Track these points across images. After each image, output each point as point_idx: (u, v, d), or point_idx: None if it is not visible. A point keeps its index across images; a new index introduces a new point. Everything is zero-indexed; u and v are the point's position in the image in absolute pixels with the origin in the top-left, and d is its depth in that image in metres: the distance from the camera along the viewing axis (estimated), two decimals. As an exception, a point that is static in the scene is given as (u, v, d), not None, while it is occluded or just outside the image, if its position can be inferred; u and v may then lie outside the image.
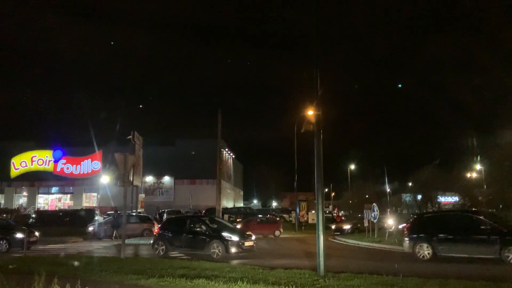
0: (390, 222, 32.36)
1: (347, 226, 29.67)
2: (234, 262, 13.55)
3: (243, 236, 15.93)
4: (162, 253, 15.84)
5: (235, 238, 15.33)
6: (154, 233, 17.18)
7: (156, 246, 16.35)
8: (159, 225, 19.77)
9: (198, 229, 16.15)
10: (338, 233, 28.16)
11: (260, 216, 32.42)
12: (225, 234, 15.48)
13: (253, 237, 16.25)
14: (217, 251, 15.04)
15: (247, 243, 15.49)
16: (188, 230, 16.38)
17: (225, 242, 15.08)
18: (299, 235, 28.77)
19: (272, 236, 27.00)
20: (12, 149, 52.42)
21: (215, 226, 16.62)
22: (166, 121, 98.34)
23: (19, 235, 17.86)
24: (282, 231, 27.95)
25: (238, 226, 26.92)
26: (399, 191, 77.08)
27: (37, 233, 19.56)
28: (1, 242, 17.71)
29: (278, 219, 34.51)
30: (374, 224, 23.95)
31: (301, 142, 34.37)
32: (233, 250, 15.01)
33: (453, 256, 13.84)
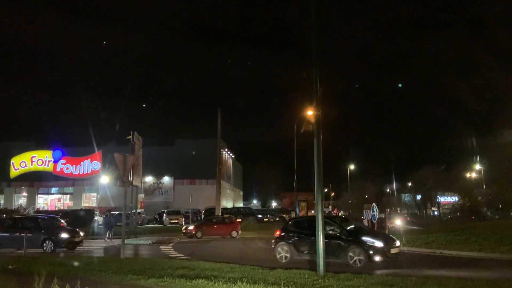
0: (398, 222, 32.39)
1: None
2: (379, 272, 11.07)
3: (387, 241, 13.37)
4: (285, 260, 13.71)
5: (378, 243, 12.89)
6: (275, 235, 14.94)
7: (279, 250, 14.10)
8: (281, 227, 16.93)
9: (330, 232, 13.43)
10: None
11: (217, 216, 31.37)
12: (366, 238, 13.09)
13: (398, 243, 13.63)
14: (357, 259, 12.60)
15: (393, 250, 13.02)
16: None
17: (367, 249, 12.69)
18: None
19: (229, 237, 25.60)
20: (11, 149, 52.44)
21: (352, 227, 14.45)
22: (165, 121, 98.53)
23: (64, 235, 17.55)
24: (240, 232, 26.34)
25: (191, 227, 26.42)
26: (398, 191, 77.32)
27: (81, 233, 18.96)
28: (46, 242, 17.25)
29: (238, 220, 33.33)
30: (375, 225, 23.94)
31: (301, 142, 34.34)
32: (377, 258, 12.56)
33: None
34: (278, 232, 15.03)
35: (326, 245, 12.20)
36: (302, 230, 14.30)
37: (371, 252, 12.58)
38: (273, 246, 14.54)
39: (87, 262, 12.47)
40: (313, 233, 12.72)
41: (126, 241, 16.05)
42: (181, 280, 9.09)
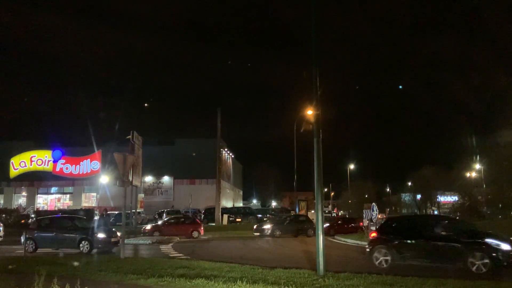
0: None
1: (267, 226, 26.56)
2: None
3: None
4: (385, 264, 12.14)
5: (506, 246, 11.00)
6: (371, 237, 13.69)
7: (376, 254, 12.47)
8: (377, 228, 15.63)
9: (443, 233, 11.98)
10: (258, 233, 25.79)
11: (177, 215, 31.10)
12: (490, 241, 11.24)
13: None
14: (481, 264, 10.82)
15: None
16: (429, 235, 12.03)
17: (493, 254, 10.86)
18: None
19: (190, 237, 24.81)
20: (11, 149, 52.39)
21: (469, 229, 12.93)
22: (165, 121, 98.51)
23: (101, 235, 16.97)
24: (202, 232, 25.65)
25: (148, 227, 26.44)
26: (398, 191, 77.40)
27: (119, 233, 17.68)
28: (82, 242, 16.55)
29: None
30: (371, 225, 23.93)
31: (301, 142, 34.38)
32: (505, 263, 10.85)
33: None
34: (374, 234, 13.70)
35: (440, 249, 11.62)
36: (406, 231, 12.86)
37: (499, 257, 10.82)
38: (368, 249, 13.01)
39: (87, 261, 12.47)
40: (420, 234, 12.14)
41: (125, 240, 16.05)
42: (181, 279, 9.09)
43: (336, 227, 27.65)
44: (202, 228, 26.18)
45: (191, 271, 10.30)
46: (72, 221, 18.38)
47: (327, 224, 27.69)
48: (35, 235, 17.28)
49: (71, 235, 16.85)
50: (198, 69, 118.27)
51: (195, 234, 25.25)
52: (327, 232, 25.61)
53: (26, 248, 15.87)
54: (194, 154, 50.72)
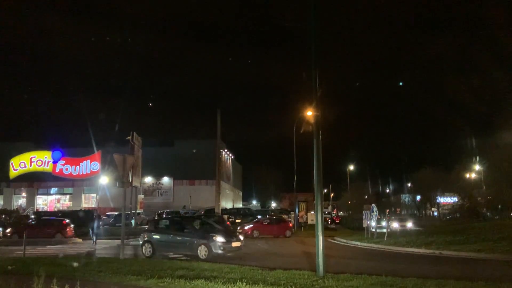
0: (396, 225, 32.51)
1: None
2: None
3: None
4: None
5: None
6: None
7: None
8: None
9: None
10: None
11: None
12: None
13: None
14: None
15: None
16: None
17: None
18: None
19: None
20: (11, 150, 52.34)
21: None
22: (165, 122, 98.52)
23: (220, 239, 14.85)
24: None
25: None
26: (398, 192, 77.43)
27: (241, 237, 16.59)
28: (200, 247, 14.88)
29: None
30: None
31: (301, 143, 34.32)
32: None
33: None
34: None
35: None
36: None
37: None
38: None
39: (86, 262, 12.45)
40: None
41: (125, 241, 16.02)
42: (180, 280, 9.08)
43: (261, 228, 26.66)
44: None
45: (190, 272, 10.29)
46: (191, 223, 16.81)
47: (250, 225, 27.38)
48: (153, 237, 15.99)
49: (191, 238, 15.11)
50: (198, 70, 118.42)
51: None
52: (249, 234, 25.38)
53: (144, 251, 15.62)
54: (194, 151, 50.66)
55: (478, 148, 36.17)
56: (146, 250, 15.73)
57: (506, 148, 27.37)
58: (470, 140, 36.97)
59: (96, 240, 22.28)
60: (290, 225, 28.55)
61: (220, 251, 14.51)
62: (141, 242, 16.13)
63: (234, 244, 15.17)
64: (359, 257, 16.35)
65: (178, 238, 15.42)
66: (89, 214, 33.33)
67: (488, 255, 14.96)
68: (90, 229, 23.28)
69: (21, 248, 15.74)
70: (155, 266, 11.32)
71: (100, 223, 34.06)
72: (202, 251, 14.63)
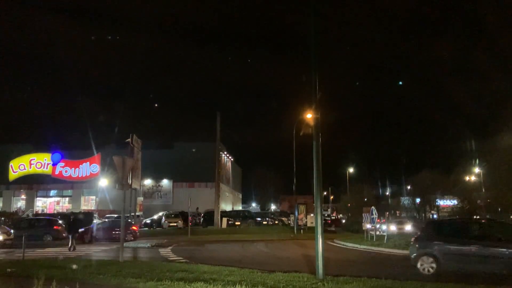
0: (394, 228, 32.47)
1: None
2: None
3: None
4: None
5: None
6: None
7: None
8: None
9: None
10: None
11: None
12: None
13: None
14: None
15: None
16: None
17: None
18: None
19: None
20: (10, 152, 52.30)
21: None
22: (165, 124, 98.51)
23: None
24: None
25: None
26: (398, 195, 77.31)
27: None
28: None
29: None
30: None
31: (300, 145, 34.29)
32: None
33: None
34: None
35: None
36: None
37: None
38: None
39: (86, 265, 12.43)
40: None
41: (124, 243, 16.01)
42: (180, 283, 9.07)
43: (94, 233, 24.12)
44: None
45: (190, 274, 10.28)
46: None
47: (82, 229, 23.48)
48: (437, 248, 11.40)
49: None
50: (198, 72, 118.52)
51: None
52: (81, 238, 22.83)
53: (420, 266, 11.34)
54: (194, 150, 50.61)
55: (477, 151, 36.13)
56: (425, 265, 11.41)
57: (506, 151, 27.35)
58: (470, 143, 36.98)
59: (74, 245, 19.42)
60: None
61: None
62: (414, 255, 11.94)
63: None
64: (359, 260, 16.34)
65: (491, 249, 10.81)
66: (89, 217, 33.23)
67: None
68: (68, 233, 20.38)
69: (20, 251, 15.72)
70: (154, 269, 11.30)
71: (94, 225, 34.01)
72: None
